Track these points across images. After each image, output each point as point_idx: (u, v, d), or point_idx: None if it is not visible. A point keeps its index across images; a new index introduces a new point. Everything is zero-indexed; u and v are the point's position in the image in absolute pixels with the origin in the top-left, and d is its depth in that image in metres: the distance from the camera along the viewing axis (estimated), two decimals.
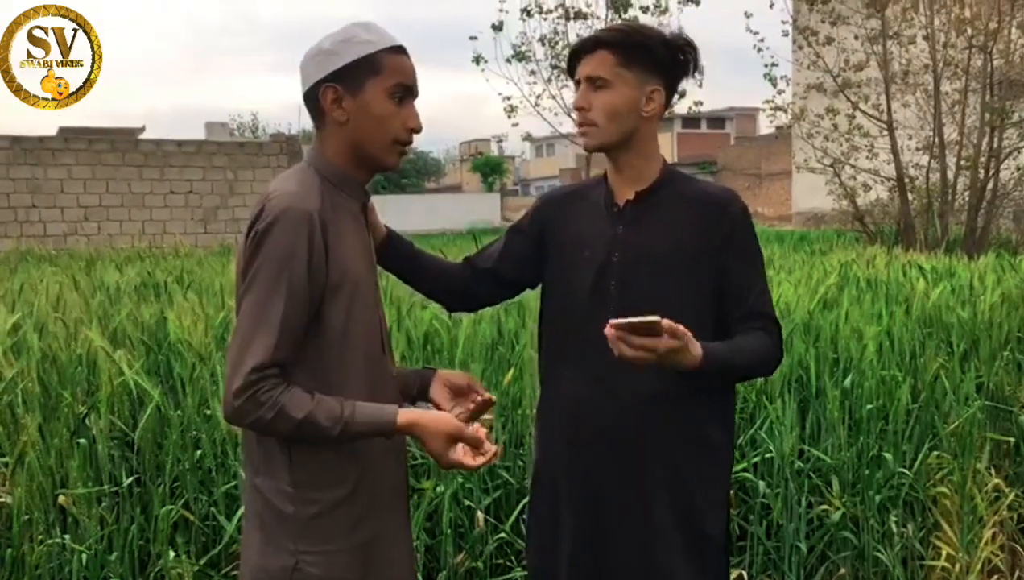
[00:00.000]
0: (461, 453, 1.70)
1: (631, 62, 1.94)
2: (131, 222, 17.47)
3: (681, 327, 1.75)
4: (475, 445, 1.71)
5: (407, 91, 1.76)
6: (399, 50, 1.76)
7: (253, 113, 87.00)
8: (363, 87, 1.71)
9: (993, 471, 3.66)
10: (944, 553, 3.32)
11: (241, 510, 2.95)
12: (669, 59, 1.98)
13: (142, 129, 21.11)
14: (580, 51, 1.99)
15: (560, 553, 2.06)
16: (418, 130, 1.79)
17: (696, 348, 1.80)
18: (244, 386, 1.59)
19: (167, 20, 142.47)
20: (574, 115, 2.04)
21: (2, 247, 15.23)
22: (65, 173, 17.11)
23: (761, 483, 3.29)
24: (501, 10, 15.28)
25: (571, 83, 2.07)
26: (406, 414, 1.69)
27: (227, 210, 18.14)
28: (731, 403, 2.13)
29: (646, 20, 15.64)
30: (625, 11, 15.51)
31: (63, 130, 18.93)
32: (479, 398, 1.90)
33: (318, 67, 1.72)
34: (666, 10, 15.53)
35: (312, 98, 1.74)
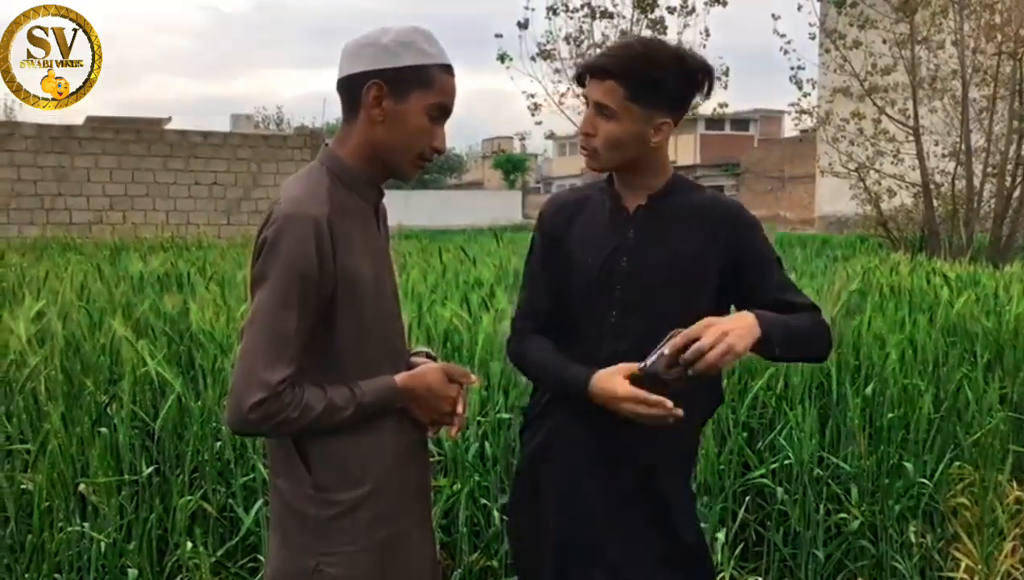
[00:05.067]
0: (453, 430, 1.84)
1: (640, 97, 1.89)
2: (155, 212, 17.56)
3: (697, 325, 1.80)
4: (462, 378, 1.83)
5: (444, 112, 1.76)
6: (449, 70, 1.75)
7: (278, 106, 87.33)
8: (407, 96, 1.69)
9: (1015, 483, 3.63)
10: (963, 565, 3.29)
11: (259, 503, 2.98)
12: (682, 90, 1.94)
13: (168, 120, 21.25)
14: (589, 73, 1.95)
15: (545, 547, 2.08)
16: (441, 152, 1.79)
17: (744, 318, 1.82)
18: (267, 398, 1.58)
19: (195, 12, 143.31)
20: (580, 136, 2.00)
21: (28, 234, 15.35)
22: (91, 162, 17.21)
23: (779, 489, 3.27)
24: (527, 8, 15.25)
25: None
26: (402, 378, 1.75)
27: (250, 202, 18.20)
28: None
29: (672, 21, 15.59)
30: (652, 11, 15.44)
31: (90, 120, 19.07)
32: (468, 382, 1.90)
33: (370, 59, 1.70)
34: (692, 11, 15.45)
35: (353, 87, 1.71)
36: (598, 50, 16.50)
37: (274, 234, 1.62)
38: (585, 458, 2.02)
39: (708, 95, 2.00)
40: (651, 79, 1.88)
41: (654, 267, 1.98)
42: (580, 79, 1.97)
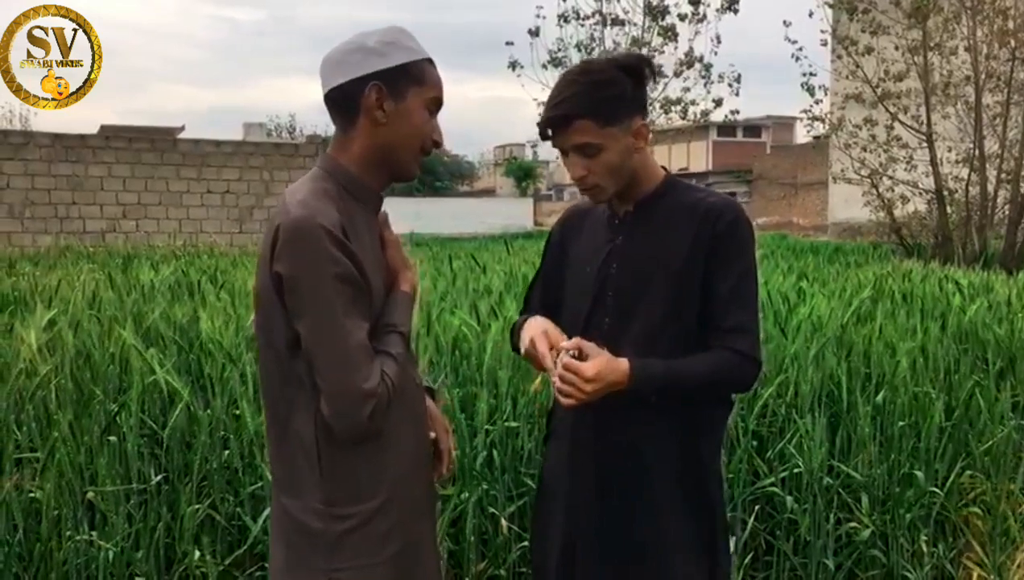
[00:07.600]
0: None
1: (612, 117, 1.91)
2: (168, 220, 17.64)
3: (581, 342, 1.85)
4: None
5: (439, 104, 1.78)
6: (432, 63, 1.77)
7: (291, 114, 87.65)
8: (405, 94, 1.71)
9: None
10: (975, 575, 3.27)
11: (267, 511, 2.98)
12: (637, 89, 1.95)
13: (181, 129, 21.35)
14: (552, 127, 1.94)
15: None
16: (440, 144, 1.81)
17: (619, 363, 1.84)
18: (376, 402, 1.61)
19: (208, 22, 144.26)
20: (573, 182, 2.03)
21: (42, 243, 15.45)
22: (105, 171, 17.31)
23: (789, 498, 3.25)
24: (538, 16, 15.33)
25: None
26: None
27: (262, 210, 18.25)
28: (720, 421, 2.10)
29: (683, 28, 15.61)
30: (663, 18, 15.47)
31: (104, 128, 19.21)
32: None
33: (360, 64, 1.70)
34: (704, 18, 15.47)
35: (349, 95, 1.71)
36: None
37: (297, 249, 1.60)
38: (576, 446, 2.05)
39: (655, 80, 2.02)
40: (610, 96, 1.90)
41: (641, 271, 1.98)
42: (543, 136, 1.97)
